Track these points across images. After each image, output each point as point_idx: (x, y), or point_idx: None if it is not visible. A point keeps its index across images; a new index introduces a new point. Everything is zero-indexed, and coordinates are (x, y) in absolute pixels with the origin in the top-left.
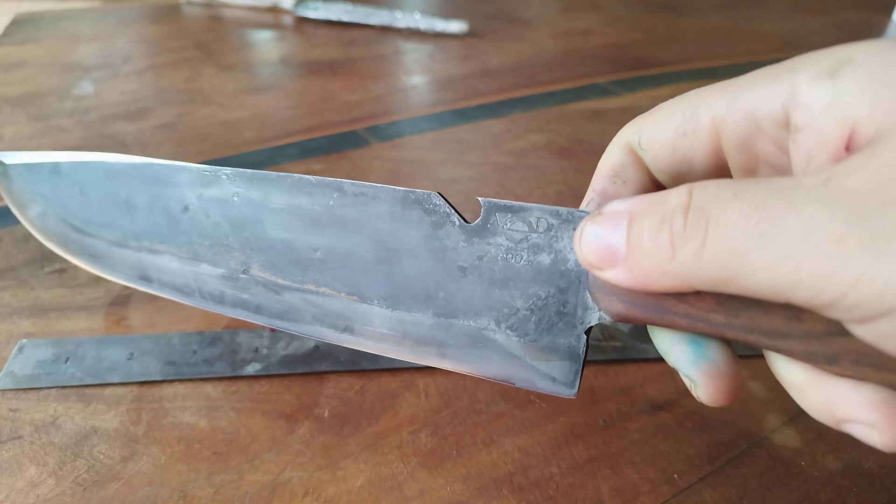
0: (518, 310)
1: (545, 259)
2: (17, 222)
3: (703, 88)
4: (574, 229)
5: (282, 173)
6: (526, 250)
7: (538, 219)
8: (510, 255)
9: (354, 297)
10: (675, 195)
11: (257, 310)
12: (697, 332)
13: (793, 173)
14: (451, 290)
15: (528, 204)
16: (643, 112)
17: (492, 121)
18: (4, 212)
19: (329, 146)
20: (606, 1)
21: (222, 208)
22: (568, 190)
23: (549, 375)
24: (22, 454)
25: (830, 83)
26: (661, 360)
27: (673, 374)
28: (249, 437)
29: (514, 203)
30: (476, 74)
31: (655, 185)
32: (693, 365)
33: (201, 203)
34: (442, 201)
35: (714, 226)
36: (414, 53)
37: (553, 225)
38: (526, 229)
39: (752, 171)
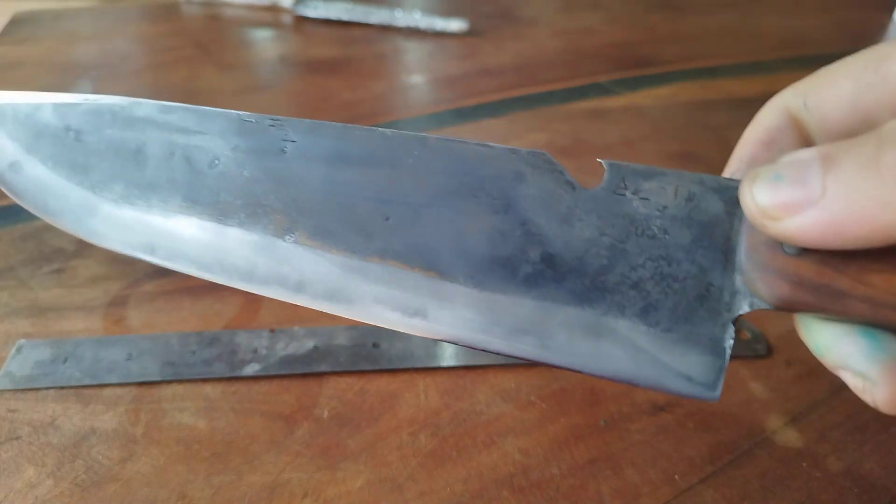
0: (648, 293)
1: (685, 233)
2: (15, 222)
3: (884, 43)
4: (722, 199)
5: (347, 124)
6: (661, 221)
7: (677, 186)
8: (640, 227)
9: (432, 273)
10: (889, 123)
11: (299, 287)
12: (878, 321)
13: None
14: (563, 266)
15: (665, 169)
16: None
17: (492, 120)
18: (1, 212)
19: None
20: None
21: (264, 161)
22: None
23: (685, 374)
24: (20, 455)
25: None
26: None
27: None
28: (248, 438)
29: (647, 167)
30: (476, 73)
31: None
32: (871, 360)
33: (236, 155)
34: (553, 161)
35: None
36: (414, 52)
37: (695, 194)
38: (661, 198)
39: None
